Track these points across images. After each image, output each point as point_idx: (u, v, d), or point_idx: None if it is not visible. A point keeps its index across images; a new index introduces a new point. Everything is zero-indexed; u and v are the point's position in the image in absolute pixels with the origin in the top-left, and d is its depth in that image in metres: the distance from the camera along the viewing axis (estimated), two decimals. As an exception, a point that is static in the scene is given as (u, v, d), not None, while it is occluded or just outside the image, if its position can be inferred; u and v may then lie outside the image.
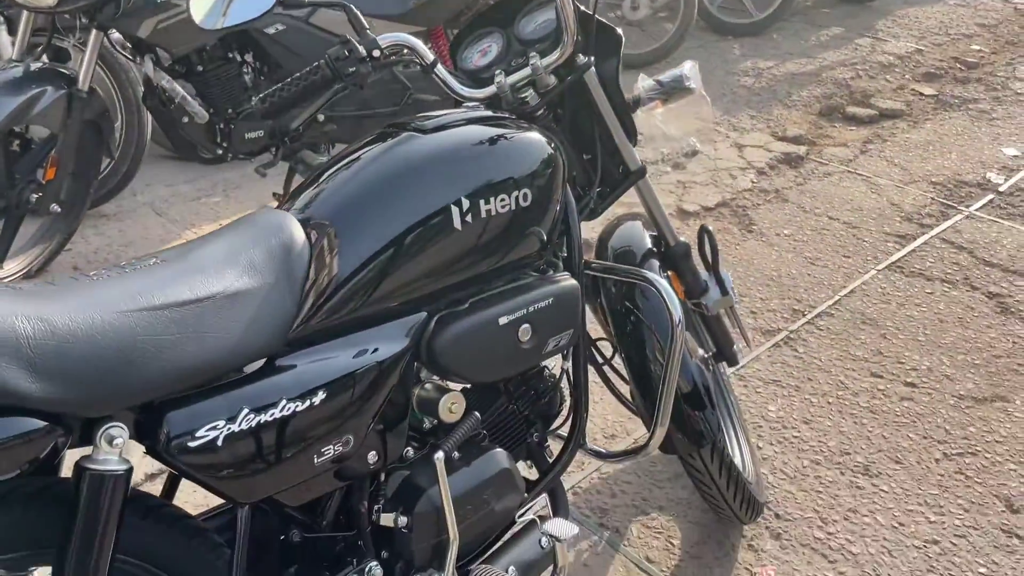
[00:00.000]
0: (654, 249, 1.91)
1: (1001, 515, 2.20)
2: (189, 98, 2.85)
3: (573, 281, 1.56)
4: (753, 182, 4.01)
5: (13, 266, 2.83)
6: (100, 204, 3.33)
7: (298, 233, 1.31)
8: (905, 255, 3.40)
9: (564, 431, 1.73)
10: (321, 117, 3.08)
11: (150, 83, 2.93)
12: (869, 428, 2.49)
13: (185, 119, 2.92)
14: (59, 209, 2.73)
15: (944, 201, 3.87)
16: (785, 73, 5.37)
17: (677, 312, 1.58)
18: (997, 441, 2.45)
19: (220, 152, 3.04)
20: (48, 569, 1.32)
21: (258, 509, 1.33)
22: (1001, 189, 4.00)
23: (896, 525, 2.16)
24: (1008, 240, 3.54)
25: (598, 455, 1.79)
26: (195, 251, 1.26)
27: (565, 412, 1.71)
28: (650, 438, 1.66)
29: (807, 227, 3.63)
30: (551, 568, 1.56)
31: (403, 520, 1.41)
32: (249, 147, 3.01)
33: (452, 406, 1.49)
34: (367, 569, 1.41)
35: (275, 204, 3.47)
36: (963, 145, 4.47)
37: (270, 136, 3.03)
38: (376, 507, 1.43)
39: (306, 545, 1.41)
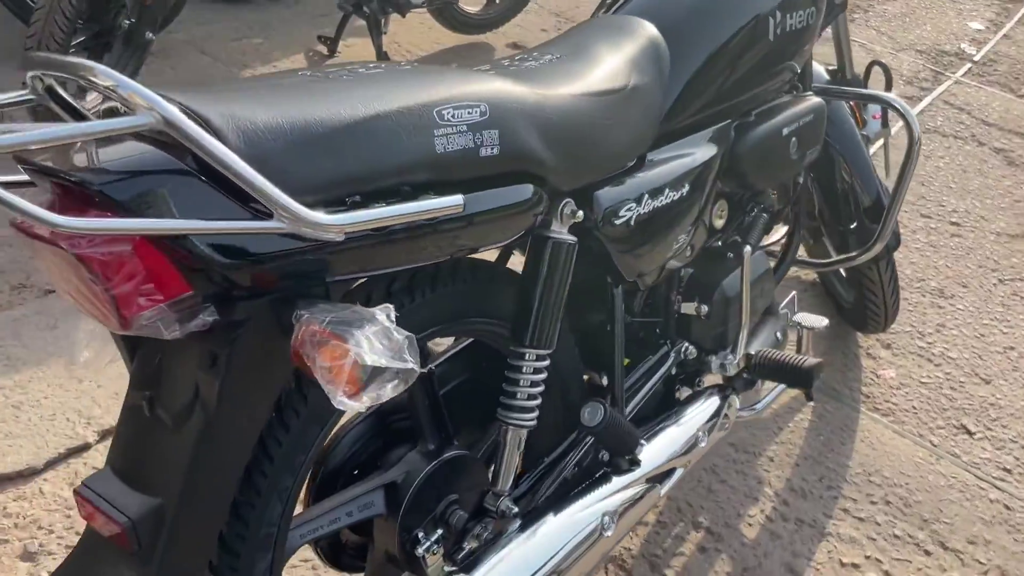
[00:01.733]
0: (830, 80, 2.08)
1: (1056, 327, 2.59)
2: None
3: (820, 100, 1.72)
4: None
5: (93, 98, 2.68)
6: (144, 39, 3.16)
7: (657, 37, 1.40)
8: (918, 113, 3.72)
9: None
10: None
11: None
12: (933, 260, 2.82)
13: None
14: (152, 37, 2.61)
15: (933, 68, 4.21)
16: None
17: (917, 129, 1.77)
18: (1036, 269, 2.85)
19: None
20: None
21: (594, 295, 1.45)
22: (976, 59, 4.38)
23: (978, 336, 2.51)
24: (996, 104, 3.93)
25: (812, 264, 2.00)
26: (582, 47, 1.33)
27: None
28: (869, 248, 1.87)
29: (826, 87, 3.88)
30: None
31: (704, 308, 1.58)
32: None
33: (721, 213, 1.65)
34: (683, 349, 1.58)
35: (321, 47, 3.42)
36: (934, 19, 4.82)
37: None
38: (678, 297, 1.59)
39: (629, 327, 1.56)
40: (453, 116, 1.00)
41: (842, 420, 2.16)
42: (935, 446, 2.12)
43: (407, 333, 0.90)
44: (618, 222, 1.28)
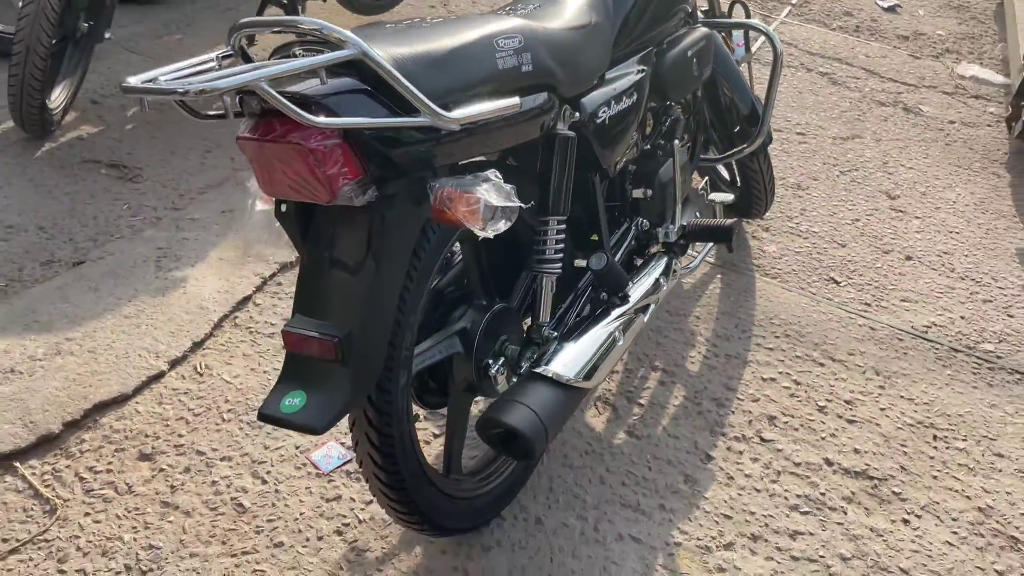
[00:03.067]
0: (702, 16, 2.64)
1: (887, 201, 3.29)
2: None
3: (708, 30, 2.28)
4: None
5: (58, 94, 2.90)
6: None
7: (602, -14, 1.90)
8: (759, 47, 4.41)
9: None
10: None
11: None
12: (788, 162, 3.48)
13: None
14: (111, 36, 2.87)
15: (761, 13, 4.93)
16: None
17: (779, 45, 2.35)
18: (866, 160, 3.56)
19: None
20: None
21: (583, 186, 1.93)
22: (794, 2, 5.14)
23: (831, 214, 3.18)
24: (816, 37, 4.68)
25: (712, 160, 2.57)
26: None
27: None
28: (752, 141, 2.45)
29: (679, 35, 4.51)
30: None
31: (649, 192, 2.10)
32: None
33: (649, 121, 2.18)
34: (639, 223, 2.10)
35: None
36: (755, -30, 5.55)
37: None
38: (630, 186, 2.11)
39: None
40: (505, 44, 1.46)
41: (744, 285, 2.76)
42: (814, 295, 2.75)
43: (510, 185, 1.36)
44: (598, 121, 1.77)
